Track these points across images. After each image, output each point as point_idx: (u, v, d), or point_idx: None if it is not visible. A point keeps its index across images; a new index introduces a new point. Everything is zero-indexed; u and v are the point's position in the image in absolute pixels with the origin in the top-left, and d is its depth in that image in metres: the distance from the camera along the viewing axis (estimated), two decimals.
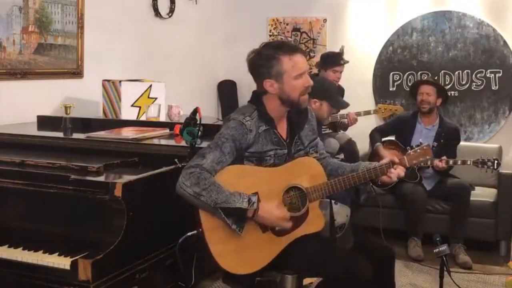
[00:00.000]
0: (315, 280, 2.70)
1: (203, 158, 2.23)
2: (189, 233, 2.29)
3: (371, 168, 2.39)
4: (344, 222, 2.49)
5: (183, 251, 2.34)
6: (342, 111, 4.42)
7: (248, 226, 2.26)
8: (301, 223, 2.36)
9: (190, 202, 2.21)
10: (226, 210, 2.17)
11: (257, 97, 2.42)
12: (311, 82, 2.37)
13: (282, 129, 2.44)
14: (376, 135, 4.59)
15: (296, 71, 2.32)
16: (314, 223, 2.39)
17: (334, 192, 2.39)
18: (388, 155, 4.39)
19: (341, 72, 4.56)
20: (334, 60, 4.53)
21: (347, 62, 4.65)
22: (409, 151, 2.47)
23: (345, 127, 4.62)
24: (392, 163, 2.40)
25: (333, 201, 2.51)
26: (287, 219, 2.29)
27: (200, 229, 2.24)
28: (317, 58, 5.10)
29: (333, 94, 3.30)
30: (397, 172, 2.39)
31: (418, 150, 2.44)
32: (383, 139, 4.59)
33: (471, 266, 3.97)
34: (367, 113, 4.58)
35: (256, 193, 2.24)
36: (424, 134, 4.44)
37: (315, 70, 4.91)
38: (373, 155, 4.55)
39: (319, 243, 2.38)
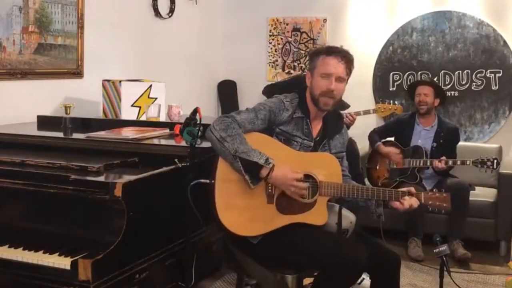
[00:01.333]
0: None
1: (238, 114, 2.42)
2: (202, 180, 2.37)
3: (386, 189, 2.45)
4: (348, 228, 2.50)
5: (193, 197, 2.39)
6: (351, 109, 4.40)
7: (256, 192, 2.34)
8: (305, 211, 2.40)
9: (214, 147, 2.35)
10: (244, 162, 2.27)
11: (302, 89, 2.58)
12: (333, 88, 2.47)
13: (316, 127, 2.58)
14: (375, 136, 4.59)
15: (323, 69, 2.48)
16: (316, 216, 2.42)
17: (345, 196, 2.43)
18: (391, 150, 4.41)
19: None
20: None
21: None
22: (429, 192, 2.47)
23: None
24: (408, 192, 2.43)
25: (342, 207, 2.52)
26: (301, 180, 2.34)
27: (213, 180, 2.33)
28: None
29: None
30: (411, 201, 2.41)
31: (437, 194, 2.44)
32: (382, 140, 4.59)
33: (469, 258, 3.98)
34: (367, 112, 4.57)
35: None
36: (423, 135, 4.44)
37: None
38: (374, 155, 4.55)
39: (314, 233, 2.39)
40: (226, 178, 2.34)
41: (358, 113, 4.51)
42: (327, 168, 2.45)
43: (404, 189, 2.46)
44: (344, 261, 2.24)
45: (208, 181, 2.36)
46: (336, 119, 2.66)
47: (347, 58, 2.51)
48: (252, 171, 2.29)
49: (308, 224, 2.41)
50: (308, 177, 2.41)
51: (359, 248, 2.31)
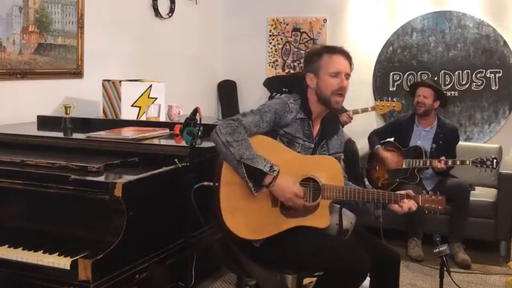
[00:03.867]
0: (315, 281, 2.69)
1: (244, 116, 2.39)
2: (206, 183, 2.38)
3: (386, 192, 2.46)
4: (348, 228, 2.50)
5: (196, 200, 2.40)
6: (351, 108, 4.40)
7: (261, 195, 2.33)
8: (308, 215, 2.40)
9: (219, 151, 2.33)
10: (248, 168, 2.26)
11: (304, 89, 2.57)
12: (345, 85, 2.48)
13: (315, 127, 2.58)
14: (374, 138, 4.58)
15: (331, 68, 2.48)
16: (320, 219, 2.42)
17: (346, 198, 2.44)
18: (388, 156, 4.41)
19: None
20: None
21: None
22: (425, 194, 2.50)
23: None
24: (407, 195, 2.45)
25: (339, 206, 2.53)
26: (300, 197, 2.34)
27: (217, 184, 2.32)
28: None
29: None
30: (409, 204, 2.43)
31: (433, 197, 2.49)
32: (382, 141, 4.58)
33: (470, 265, 3.97)
34: (365, 110, 4.55)
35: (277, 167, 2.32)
36: (423, 136, 4.43)
37: None
38: (373, 157, 4.55)
39: (316, 236, 2.39)
40: (230, 182, 2.33)
41: (356, 111, 4.50)
42: (329, 171, 2.46)
43: (403, 192, 2.47)
44: (346, 268, 2.24)
45: (211, 183, 2.35)
46: (333, 119, 2.67)
47: (348, 55, 2.54)
48: (256, 177, 2.29)
49: (311, 226, 2.40)
50: (310, 180, 2.41)
51: (361, 254, 2.30)
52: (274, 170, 2.28)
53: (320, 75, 2.50)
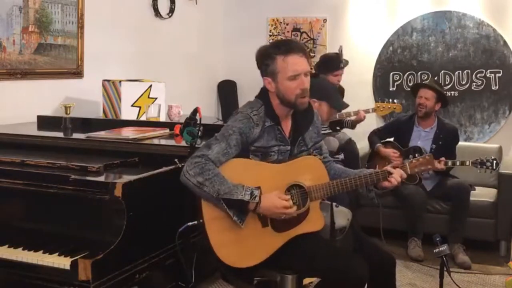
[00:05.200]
0: (315, 280, 2.69)
1: (209, 149, 2.25)
2: (190, 223, 2.30)
3: (372, 172, 2.41)
4: (345, 226, 2.48)
5: (182, 241, 2.35)
6: (349, 109, 4.40)
7: (248, 220, 2.26)
8: (301, 221, 2.36)
9: (194, 191, 2.22)
10: (229, 201, 2.18)
11: (264, 93, 2.44)
12: (306, 85, 2.36)
13: (286, 127, 2.46)
14: (374, 137, 4.59)
15: (289, 72, 2.32)
16: (314, 223, 2.39)
17: (335, 193, 2.39)
18: (390, 152, 4.41)
19: (341, 74, 4.55)
20: (333, 65, 4.49)
21: (347, 63, 4.64)
22: (412, 159, 2.48)
23: (352, 125, 4.62)
24: (394, 167, 2.42)
25: (334, 204, 2.50)
26: (290, 207, 2.27)
27: (201, 220, 2.25)
28: (317, 58, 5.09)
29: (332, 95, 3.29)
30: (398, 175, 2.40)
31: (421, 159, 2.45)
32: (382, 141, 4.59)
33: (470, 266, 3.96)
34: (366, 111, 4.56)
35: (259, 187, 2.23)
36: (423, 136, 4.43)
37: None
38: (374, 156, 4.55)
39: (317, 242, 2.38)
40: (213, 217, 2.25)
41: (357, 113, 4.50)
42: (312, 171, 2.40)
43: (387, 167, 2.44)
44: (345, 278, 2.22)
45: (195, 222, 2.28)
46: (304, 111, 2.47)
47: (303, 49, 2.37)
48: (239, 208, 2.22)
49: (307, 232, 2.37)
50: (295, 187, 2.36)
51: (360, 263, 2.28)
52: (256, 196, 2.19)
53: (278, 79, 2.35)
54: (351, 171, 2.54)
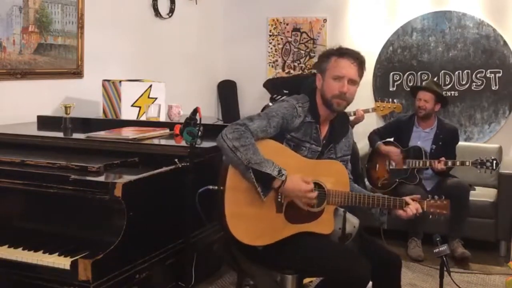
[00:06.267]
0: (315, 280, 2.70)
1: (251, 121, 2.34)
2: (210, 186, 2.34)
3: (391, 198, 2.46)
4: (351, 233, 2.49)
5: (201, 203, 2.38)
6: (350, 108, 4.38)
7: (265, 201, 2.30)
8: (312, 220, 2.39)
9: (226, 155, 2.29)
10: (257, 172, 2.23)
11: (312, 91, 2.55)
12: (347, 90, 2.43)
13: (323, 130, 2.55)
14: (374, 137, 4.58)
15: (335, 72, 2.44)
16: (324, 225, 2.41)
17: (351, 204, 2.43)
18: (391, 149, 4.41)
19: None
20: None
21: None
22: (430, 199, 2.52)
23: (352, 125, 4.61)
24: (412, 200, 2.47)
25: (342, 210, 2.52)
26: (311, 191, 2.32)
27: (222, 187, 2.29)
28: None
29: None
30: (413, 209, 2.44)
31: (438, 202, 2.51)
32: (382, 141, 4.58)
33: (469, 257, 3.98)
34: (366, 111, 4.56)
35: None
36: (422, 137, 4.43)
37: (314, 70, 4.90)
38: (374, 155, 4.55)
39: (320, 242, 2.38)
40: (236, 187, 2.29)
41: (367, 111, 4.50)
42: (335, 176, 2.44)
43: (408, 197, 2.47)
44: (346, 279, 2.23)
45: (216, 187, 2.32)
46: (343, 121, 2.63)
47: (359, 60, 2.48)
48: (264, 182, 2.26)
49: (315, 232, 2.39)
50: (316, 185, 2.38)
51: (362, 264, 2.29)
52: (283, 175, 2.25)
53: (325, 77, 2.48)
54: (367, 192, 2.58)
